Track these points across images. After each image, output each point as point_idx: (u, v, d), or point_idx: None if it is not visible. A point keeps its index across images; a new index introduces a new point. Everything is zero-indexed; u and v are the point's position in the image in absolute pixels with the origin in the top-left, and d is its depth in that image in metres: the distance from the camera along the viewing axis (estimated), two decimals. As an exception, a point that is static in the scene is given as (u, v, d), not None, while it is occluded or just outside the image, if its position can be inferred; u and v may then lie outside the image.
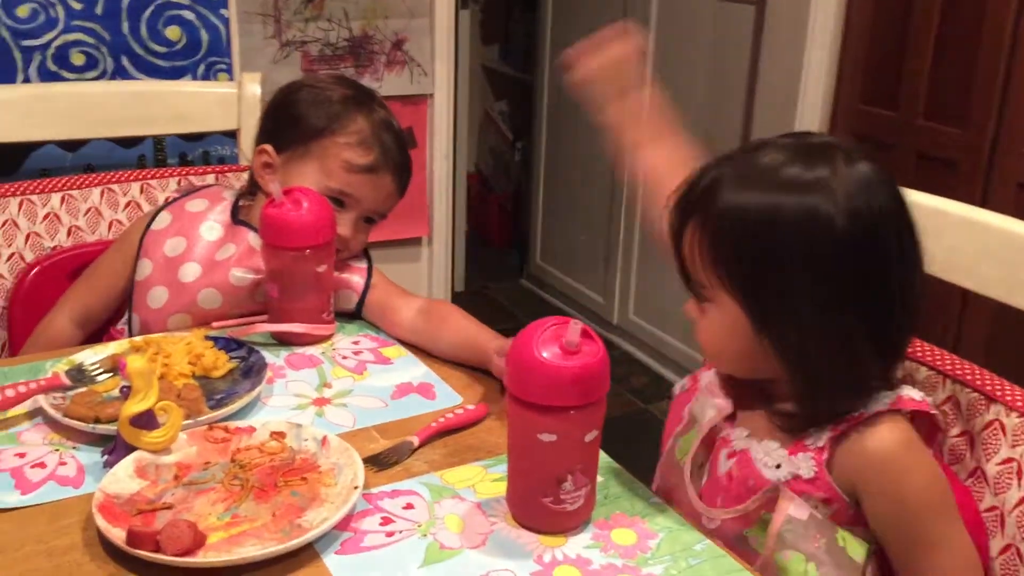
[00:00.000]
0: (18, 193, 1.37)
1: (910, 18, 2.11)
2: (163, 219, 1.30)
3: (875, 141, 2.20)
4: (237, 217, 1.30)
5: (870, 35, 2.21)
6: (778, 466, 0.87)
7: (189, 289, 1.25)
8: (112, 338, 1.29)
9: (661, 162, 1.10)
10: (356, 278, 1.30)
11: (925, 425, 0.88)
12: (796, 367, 0.86)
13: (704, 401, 0.96)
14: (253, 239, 1.26)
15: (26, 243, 1.37)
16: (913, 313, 0.86)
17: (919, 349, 1.00)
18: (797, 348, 0.85)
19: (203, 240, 1.27)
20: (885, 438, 0.84)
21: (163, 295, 1.25)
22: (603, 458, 0.92)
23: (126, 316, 1.30)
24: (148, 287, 1.26)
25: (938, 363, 0.98)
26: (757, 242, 0.83)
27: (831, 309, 0.83)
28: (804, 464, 0.86)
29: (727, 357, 0.92)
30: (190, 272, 1.26)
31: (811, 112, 2.27)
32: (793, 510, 0.85)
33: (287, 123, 1.29)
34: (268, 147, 1.29)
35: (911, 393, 0.87)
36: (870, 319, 0.84)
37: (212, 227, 1.29)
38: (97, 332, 1.32)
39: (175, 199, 1.33)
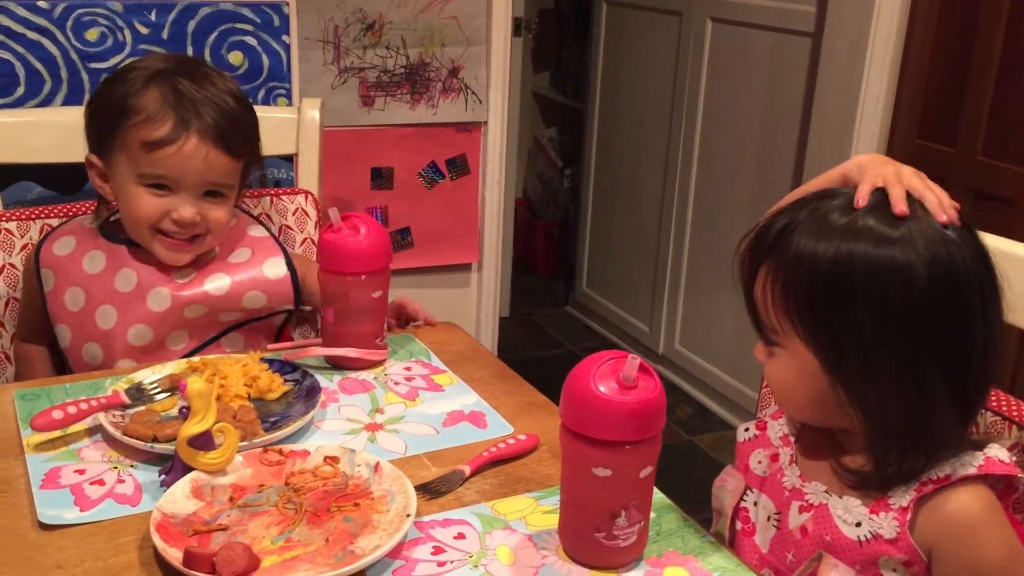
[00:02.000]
0: (81, 212, 1.41)
1: (971, 52, 2.09)
2: (48, 279, 1.25)
3: (931, 177, 2.17)
4: (114, 236, 1.27)
5: (929, 68, 2.19)
6: (858, 524, 0.85)
7: (115, 335, 1.23)
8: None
9: None
10: (276, 270, 1.29)
11: (1004, 483, 0.86)
12: (869, 418, 0.84)
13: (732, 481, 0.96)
14: (126, 252, 1.24)
15: (88, 261, 1.39)
16: (991, 369, 0.84)
17: (1003, 403, 0.97)
18: (871, 399, 0.83)
19: (94, 277, 1.24)
20: (967, 504, 0.83)
21: (97, 351, 1.24)
22: (655, 494, 0.92)
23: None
24: (78, 350, 1.24)
25: (1003, 408, 0.96)
26: (831, 290, 0.82)
27: (907, 361, 0.82)
28: (886, 524, 0.84)
29: (797, 402, 0.90)
30: (106, 318, 1.23)
31: (867, 146, 2.25)
32: None
33: (95, 122, 1.23)
34: (91, 156, 1.23)
35: (999, 454, 0.84)
36: (948, 374, 0.82)
37: (93, 258, 1.25)
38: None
39: (37, 251, 1.28)
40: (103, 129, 1.22)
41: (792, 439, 0.95)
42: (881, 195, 0.86)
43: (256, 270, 1.30)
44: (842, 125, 2.29)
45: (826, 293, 0.82)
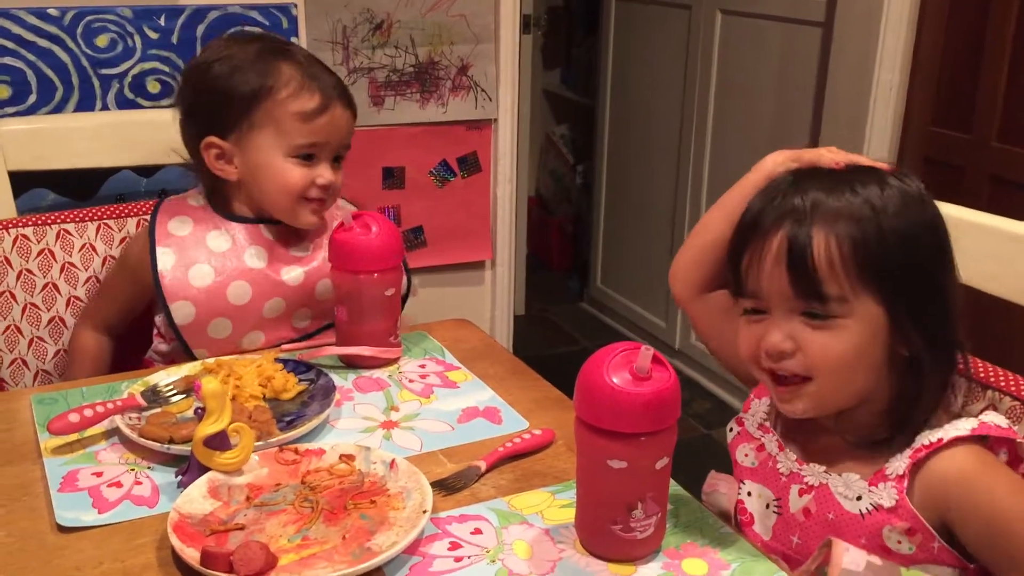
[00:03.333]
0: (96, 218, 1.41)
1: (983, 37, 2.07)
2: (166, 259, 1.26)
3: (947, 164, 2.16)
4: (226, 212, 1.30)
5: (942, 54, 2.17)
6: (859, 498, 0.85)
7: (249, 310, 1.26)
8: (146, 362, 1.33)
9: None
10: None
11: (1009, 455, 0.86)
12: (911, 371, 0.87)
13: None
14: (252, 230, 1.28)
15: (103, 266, 1.40)
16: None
17: (1002, 378, 0.97)
18: (927, 346, 0.86)
19: (220, 255, 1.26)
20: (964, 461, 0.83)
21: (226, 324, 1.26)
22: (672, 486, 0.91)
23: (157, 352, 1.32)
24: (202, 324, 1.25)
25: (980, 376, 0.97)
26: (899, 252, 0.84)
27: (949, 309, 0.87)
28: (885, 493, 0.84)
29: (852, 376, 0.86)
30: (239, 293, 1.26)
31: (880, 134, 2.23)
32: (848, 562, 0.83)
33: (217, 105, 1.25)
34: (213, 138, 1.25)
35: (996, 419, 0.85)
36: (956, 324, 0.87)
37: (217, 236, 1.28)
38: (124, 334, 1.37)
39: (151, 230, 1.28)
40: (231, 114, 1.24)
41: (769, 425, 0.95)
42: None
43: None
44: (855, 114, 2.27)
45: (896, 254, 0.84)
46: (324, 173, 1.25)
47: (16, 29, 1.67)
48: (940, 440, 0.83)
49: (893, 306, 0.84)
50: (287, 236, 1.30)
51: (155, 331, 1.32)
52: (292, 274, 1.28)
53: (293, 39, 1.87)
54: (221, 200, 1.31)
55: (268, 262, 1.27)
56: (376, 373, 1.20)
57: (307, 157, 1.25)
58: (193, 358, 1.25)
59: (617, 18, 3.22)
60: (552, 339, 3.38)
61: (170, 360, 1.30)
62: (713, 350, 1.07)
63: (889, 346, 0.85)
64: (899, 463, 0.84)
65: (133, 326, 1.37)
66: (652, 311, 3.22)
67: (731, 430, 1.00)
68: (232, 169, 1.26)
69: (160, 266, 1.25)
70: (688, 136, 2.91)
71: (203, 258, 1.26)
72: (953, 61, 2.15)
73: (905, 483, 0.84)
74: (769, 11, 2.56)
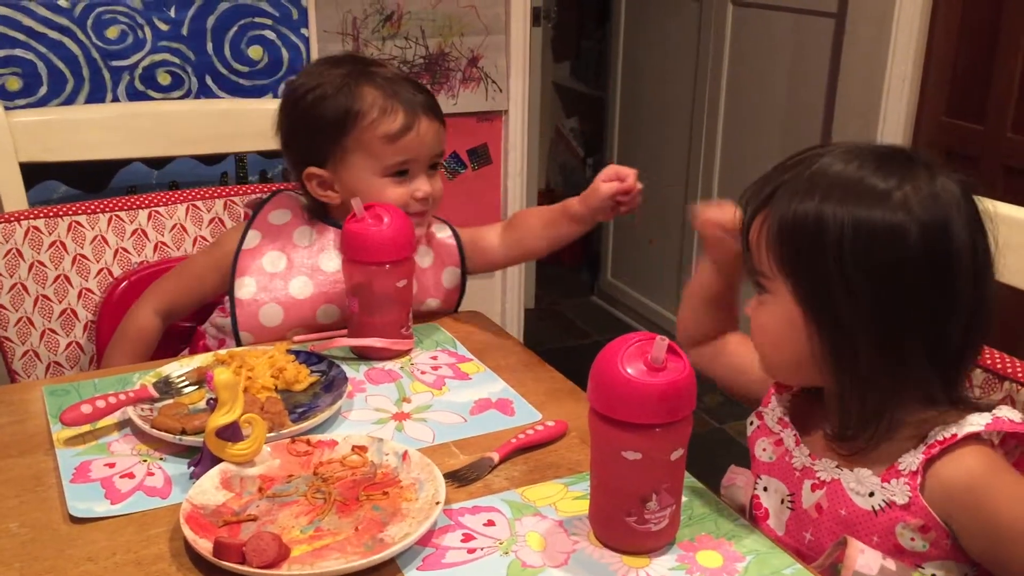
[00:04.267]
0: (107, 210, 1.41)
1: (998, 27, 2.05)
2: (252, 238, 1.31)
3: (960, 154, 2.14)
4: (324, 216, 1.32)
5: (955, 45, 2.15)
6: (871, 494, 0.84)
7: (304, 306, 1.27)
8: (198, 347, 1.33)
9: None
10: (446, 237, 1.38)
11: (1023, 449, 0.85)
12: (840, 371, 0.84)
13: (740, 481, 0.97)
14: (339, 235, 1.28)
15: (114, 258, 1.41)
16: (983, 330, 0.85)
17: (1020, 370, 0.96)
18: (845, 352, 0.83)
19: (301, 249, 1.29)
20: (972, 467, 0.81)
21: (277, 313, 1.27)
22: (687, 478, 0.91)
23: (213, 325, 1.33)
24: (257, 306, 1.27)
25: (997, 366, 0.96)
26: (815, 244, 0.82)
27: (886, 317, 0.81)
28: (898, 490, 0.83)
29: (780, 356, 0.90)
30: (301, 288, 1.28)
31: (894, 125, 2.22)
32: (862, 564, 0.82)
33: (311, 136, 1.28)
34: (313, 168, 1.28)
35: (1009, 415, 0.83)
36: (928, 333, 0.82)
37: (303, 232, 1.31)
38: (175, 326, 1.37)
39: (255, 214, 1.34)
40: (323, 142, 1.27)
41: (787, 419, 0.94)
42: (874, 149, 0.86)
43: (438, 276, 1.37)
44: (868, 105, 2.26)
45: (809, 248, 0.82)
46: (421, 186, 1.28)
47: (27, 21, 1.67)
48: (954, 436, 0.82)
49: (799, 296, 0.84)
50: None
51: (222, 304, 1.33)
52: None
53: (303, 30, 1.87)
54: (323, 206, 1.33)
55: (336, 270, 1.28)
56: (388, 365, 1.20)
57: (401, 173, 1.27)
58: (239, 342, 1.27)
59: (627, 10, 3.21)
60: (562, 333, 3.37)
61: (220, 341, 1.32)
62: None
63: (811, 330, 0.85)
64: (912, 459, 0.83)
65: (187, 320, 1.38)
66: (663, 304, 3.22)
67: (751, 423, 1.00)
68: (335, 195, 1.29)
69: (245, 244, 1.30)
70: (699, 129, 2.90)
71: (283, 246, 1.30)
72: (967, 52, 2.13)
73: (919, 480, 0.82)
74: (781, 2, 2.55)
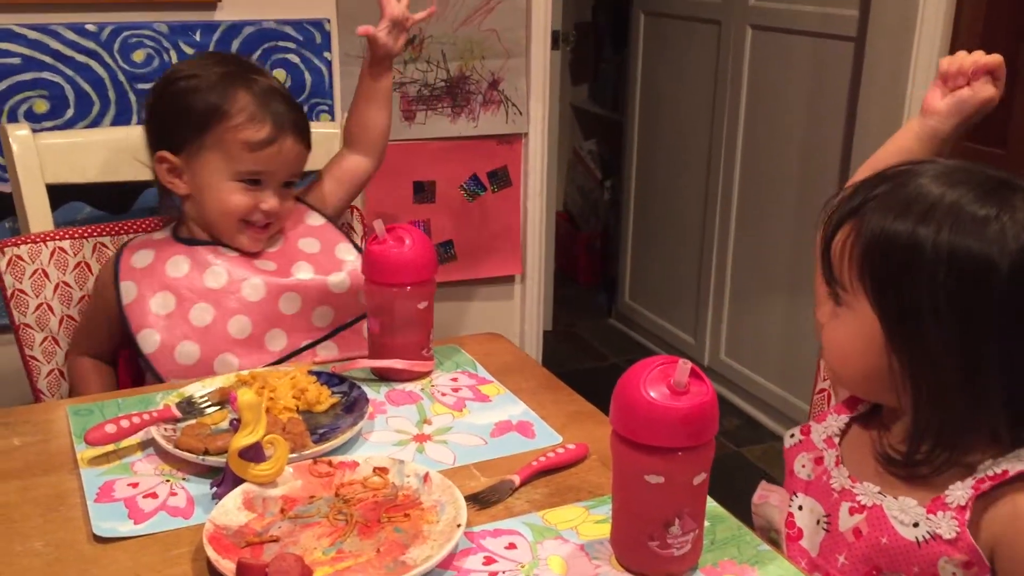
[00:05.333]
0: (130, 231, 1.43)
1: (1019, 52, 2.05)
2: (128, 290, 1.29)
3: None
4: (189, 240, 1.33)
5: (976, 71, 2.15)
6: (916, 524, 0.83)
7: (214, 330, 1.27)
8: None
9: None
10: (346, 255, 1.37)
11: None
12: (917, 396, 0.83)
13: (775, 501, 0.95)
14: (211, 251, 1.30)
15: (138, 278, 1.41)
16: None
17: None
18: (923, 376, 0.82)
19: (181, 279, 1.28)
20: (1018, 503, 0.80)
21: (193, 349, 1.27)
22: (709, 502, 0.90)
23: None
24: (170, 350, 1.27)
25: None
26: (905, 267, 0.81)
27: (970, 348, 0.80)
28: (944, 523, 0.82)
29: (850, 367, 0.89)
30: (201, 314, 1.27)
31: (913, 150, 2.21)
32: None
33: (174, 121, 1.29)
34: (165, 153, 1.29)
35: None
36: (1009, 370, 0.80)
37: (176, 263, 1.30)
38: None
39: (115, 266, 1.31)
40: (184, 131, 1.28)
41: (837, 440, 0.93)
42: (972, 171, 0.84)
43: (331, 255, 1.37)
44: (889, 130, 2.24)
45: (900, 269, 0.82)
46: (268, 200, 1.29)
47: (55, 44, 1.69)
48: (1005, 472, 0.81)
49: (883, 314, 0.83)
50: (246, 255, 1.33)
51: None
52: (252, 287, 1.29)
53: (326, 54, 1.88)
54: (182, 228, 1.34)
55: (228, 281, 1.29)
56: (409, 386, 1.20)
57: (253, 182, 1.28)
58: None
59: (646, 33, 3.22)
60: (580, 355, 3.36)
61: None
62: None
63: (891, 351, 0.84)
64: (960, 493, 0.82)
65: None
66: (681, 327, 3.21)
67: (791, 436, 0.98)
68: (182, 184, 1.30)
69: (124, 299, 1.28)
70: (717, 152, 2.90)
71: (163, 285, 1.29)
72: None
73: (967, 515, 0.81)
74: (800, 26, 2.55)
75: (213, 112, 1.26)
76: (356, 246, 1.40)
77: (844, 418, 0.96)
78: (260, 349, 1.30)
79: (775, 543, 0.94)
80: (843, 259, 0.86)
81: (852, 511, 0.88)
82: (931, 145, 1.04)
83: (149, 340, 1.27)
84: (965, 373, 0.81)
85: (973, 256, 0.79)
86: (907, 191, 0.83)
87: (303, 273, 1.33)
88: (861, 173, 0.98)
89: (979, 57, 1.00)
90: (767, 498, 0.96)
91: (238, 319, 1.28)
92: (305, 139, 1.32)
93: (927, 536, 0.82)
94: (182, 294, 1.28)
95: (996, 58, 1.00)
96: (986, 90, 1.00)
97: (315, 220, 1.41)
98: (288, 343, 1.32)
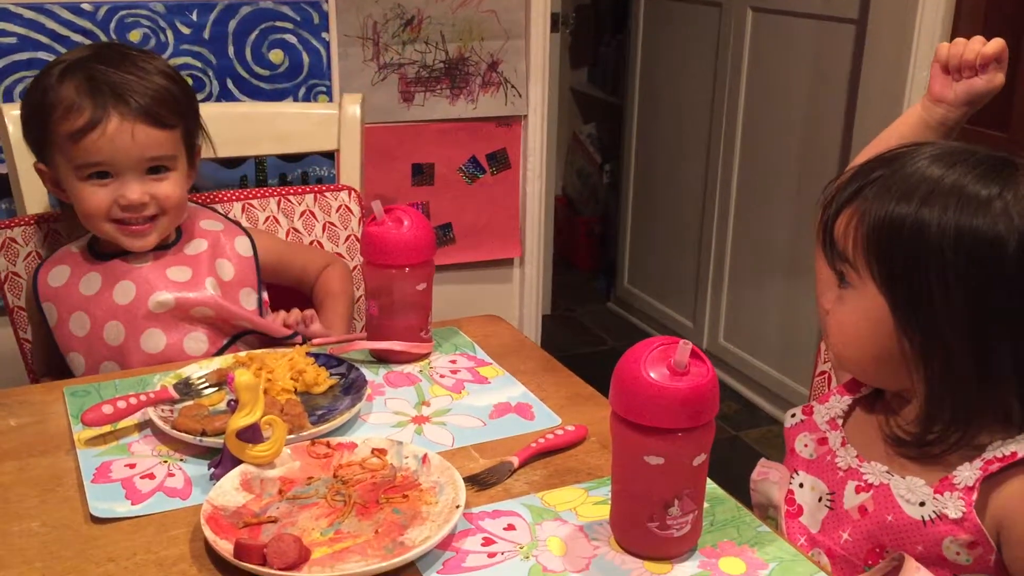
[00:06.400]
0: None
1: (1021, 34, 2.03)
2: (50, 312, 1.26)
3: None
4: (104, 254, 1.26)
5: (977, 53, 2.14)
6: (922, 504, 0.83)
7: (128, 348, 1.23)
8: None
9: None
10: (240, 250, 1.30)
11: None
12: (927, 376, 0.82)
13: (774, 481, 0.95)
14: (117, 266, 1.24)
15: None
16: None
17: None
18: (934, 357, 0.82)
19: (92, 298, 1.24)
20: (1021, 485, 0.80)
21: (112, 366, 1.24)
22: (708, 484, 0.90)
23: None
24: (95, 371, 1.24)
25: None
26: (912, 249, 0.81)
27: (980, 327, 0.80)
28: (951, 504, 0.82)
29: (859, 353, 0.88)
30: (116, 334, 1.23)
31: (914, 133, 2.20)
32: None
33: (28, 127, 1.23)
34: (39, 165, 1.23)
35: None
36: (1022, 345, 0.80)
37: (88, 280, 1.25)
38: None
39: (34, 287, 1.27)
40: (36, 133, 1.21)
41: (840, 422, 0.93)
42: (976, 151, 0.84)
43: (226, 246, 1.31)
44: (889, 112, 2.24)
45: (907, 252, 0.81)
46: (124, 191, 1.19)
47: (50, 24, 1.68)
48: (1014, 454, 0.81)
49: (892, 297, 0.83)
50: (158, 262, 1.26)
51: None
52: (158, 306, 1.23)
53: (323, 34, 1.87)
54: (95, 238, 1.28)
55: (135, 297, 1.23)
56: (407, 368, 1.20)
57: (100, 175, 1.19)
58: None
59: (646, 16, 3.21)
60: (579, 339, 3.36)
61: None
62: None
63: (900, 333, 0.83)
64: (968, 474, 0.82)
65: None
66: (680, 311, 3.20)
67: (792, 416, 0.98)
68: (63, 194, 1.24)
69: (49, 322, 1.25)
70: (717, 136, 2.89)
71: (79, 305, 1.24)
72: (990, 58, 2.12)
73: (974, 496, 0.81)
74: (801, 8, 2.54)
75: (39, 108, 1.18)
76: (251, 241, 1.33)
77: (847, 399, 0.95)
78: (180, 355, 1.25)
79: (772, 520, 0.94)
80: (847, 241, 0.85)
81: (859, 489, 0.88)
82: (939, 132, 1.03)
83: (76, 363, 1.25)
84: (976, 352, 0.81)
85: (980, 235, 0.79)
86: (907, 173, 0.83)
87: (215, 289, 1.27)
88: (862, 158, 0.97)
89: (981, 46, 0.98)
90: (767, 475, 0.96)
91: (150, 333, 1.23)
92: (151, 119, 1.18)
93: (933, 515, 0.82)
94: (94, 314, 1.23)
95: (999, 44, 0.99)
96: (997, 78, 1.00)
97: (210, 224, 1.33)
98: (208, 348, 1.27)
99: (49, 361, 1.32)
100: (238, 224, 1.36)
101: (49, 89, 1.19)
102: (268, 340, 1.29)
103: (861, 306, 0.85)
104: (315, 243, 1.51)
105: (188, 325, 1.26)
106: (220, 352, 1.27)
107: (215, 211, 1.39)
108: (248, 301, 1.31)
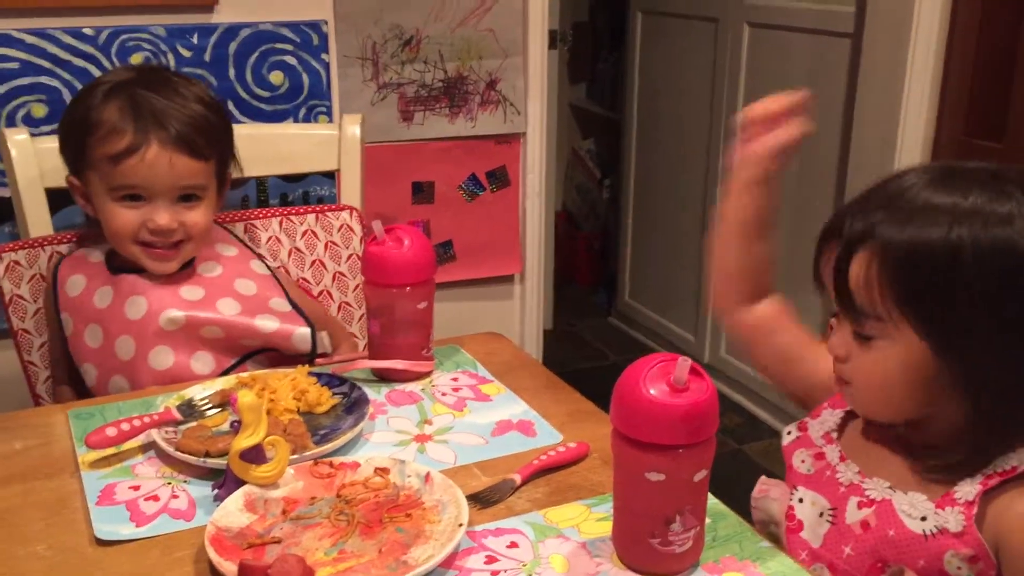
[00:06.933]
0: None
1: (1016, 45, 2.05)
2: (67, 322, 1.27)
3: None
4: (119, 268, 1.28)
5: (973, 64, 2.15)
6: (924, 518, 0.83)
7: (137, 364, 1.23)
8: None
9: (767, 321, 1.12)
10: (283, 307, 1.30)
11: None
12: (976, 401, 0.82)
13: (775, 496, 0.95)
14: (130, 281, 1.25)
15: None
16: None
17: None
18: (980, 381, 0.81)
19: (105, 311, 1.25)
20: (1021, 502, 0.81)
21: (122, 382, 1.24)
22: (710, 499, 0.90)
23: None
24: (105, 383, 1.25)
25: None
26: (945, 276, 0.80)
27: (1019, 338, 0.80)
28: (952, 518, 0.82)
29: (888, 396, 0.86)
30: (127, 348, 1.24)
31: (912, 145, 2.21)
32: None
33: (67, 143, 1.25)
34: (71, 178, 1.26)
35: None
36: None
37: (102, 294, 1.26)
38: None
39: (55, 295, 1.29)
40: (74, 148, 1.24)
41: (835, 436, 0.94)
42: (961, 171, 0.84)
43: (264, 303, 1.31)
44: (886, 125, 2.26)
45: (940, 280, 0.80)
46: (155, 216, 1.21)
47: (52, 48, 1.69)
48: (1014, 469, 0.81)
49: (934, 339, 0.81)
50: (169, 282, 1.27)
51: None
52: (169, 323, 1.24)
53: (323, 55, 1.88)
54: (115, 251, 1.29)
55: (146, 313, 1.24)
56: (409, 386, 1.20)
57: (133, 198, 1.21)
58: None
59: (643, 32, 3.23)
60: (580, 354, 3.37)
61: None
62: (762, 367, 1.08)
63: (941, 374, 0.82)
64: (969, 488, 0.82)
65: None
66: (681, 325, 3.21)
67: (788, 433, 0.99)
68: (91, 208, 1.26)
69: (65, 331, 1.27)
70: (716, 150, 2.90)
71: (91, 317, 1.26)
72: (985, 70, 2.13)
73: (974, 510, 0.82)
74: (797, 23, 2.55)
75: (81, 124, 1.20)
76: (291, 301, 1.33)
77: (839, 412, 0.96)
78: (187, 374, 1.25)
79: (775, 537, 0.94)
80: (871, 289, 0.83)
81: (861, 505, 0.88)
82: (771, 189, 1.06)
83: (89, 374, 1.26)
84: (1019, 367, 0.81)
85: (1013, 250, 0.79)
86: (916, 205, 0.82)
87: (229, 309, 1.27)
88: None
89: (770, 104, 1.04)
90: (767, 492, 0.96)
91: (159, 350, 1.24)
92: (188, 148, 1.21)
93: (934, 530, 0.83)
94: (107, 327, 1.25)
95: (791, 98, 1.05)
96: (798, 126, 1.04)
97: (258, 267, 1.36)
98: (214, 368, 1.27)
99: (65, 367, 1.33)
100: (252, 249, 1.38)
101: (92, 108, 1.21)
102: (278, 359, 1.30)
103: (893, 354, 0.83)
104: (317, 262, 1.51)
105: (196, 344, 1.26)
106: (226, 372, 1.27)
107: (230, 231, 1.40)
108: (280, 305, 1.31)
